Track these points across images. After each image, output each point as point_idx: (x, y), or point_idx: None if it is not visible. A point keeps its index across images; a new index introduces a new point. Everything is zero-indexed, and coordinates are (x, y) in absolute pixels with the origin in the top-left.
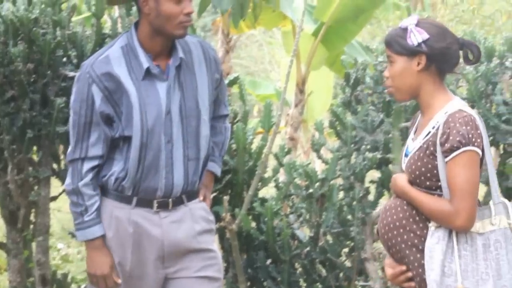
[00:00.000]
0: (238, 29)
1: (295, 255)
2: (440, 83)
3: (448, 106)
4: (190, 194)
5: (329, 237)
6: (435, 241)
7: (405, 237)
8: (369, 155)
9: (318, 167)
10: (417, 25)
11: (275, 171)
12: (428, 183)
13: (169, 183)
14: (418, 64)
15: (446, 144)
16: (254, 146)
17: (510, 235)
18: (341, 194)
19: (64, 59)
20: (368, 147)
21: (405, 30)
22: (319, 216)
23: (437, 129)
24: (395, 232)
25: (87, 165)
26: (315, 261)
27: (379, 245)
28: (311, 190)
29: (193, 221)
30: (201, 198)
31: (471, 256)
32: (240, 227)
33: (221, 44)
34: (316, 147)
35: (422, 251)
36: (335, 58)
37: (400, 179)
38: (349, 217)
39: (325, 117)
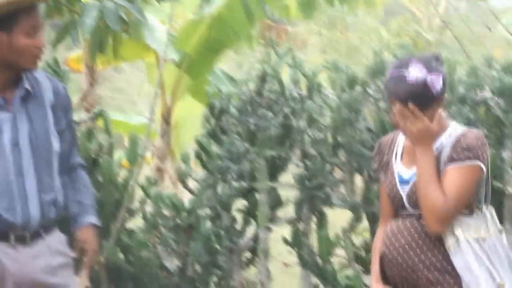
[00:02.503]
0: (104, 62)
1: (164, 285)
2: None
3: (450, 129)
4: (47, 227)
5: (197, 267)
6: (463, 258)
7: (423, 257)
8: (235, 184)
9: (187, 197)
10: (428, 71)
11: (142, 203)
12: None
13: (26, 216)
14: (440, 102)
15: (454, 155)
16: (120, 178)
17: (502, 239)
18: (209, 224)
19: None
20: (234, 176)
21: (424, 83)
22: (187, 246)
23: (441, 149)
24: (411, 253)
25: None
26: None
27: (247, 273)
28: (178, 221)
29: (50, 256)
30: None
31: (492, 257)
32: (108, 259)
33: (85, 77)
34: (182, 178)
35: (439, 270)
36: (199, 87)
37: (430, 153)
38: (217, 246)
39: (193, 148)
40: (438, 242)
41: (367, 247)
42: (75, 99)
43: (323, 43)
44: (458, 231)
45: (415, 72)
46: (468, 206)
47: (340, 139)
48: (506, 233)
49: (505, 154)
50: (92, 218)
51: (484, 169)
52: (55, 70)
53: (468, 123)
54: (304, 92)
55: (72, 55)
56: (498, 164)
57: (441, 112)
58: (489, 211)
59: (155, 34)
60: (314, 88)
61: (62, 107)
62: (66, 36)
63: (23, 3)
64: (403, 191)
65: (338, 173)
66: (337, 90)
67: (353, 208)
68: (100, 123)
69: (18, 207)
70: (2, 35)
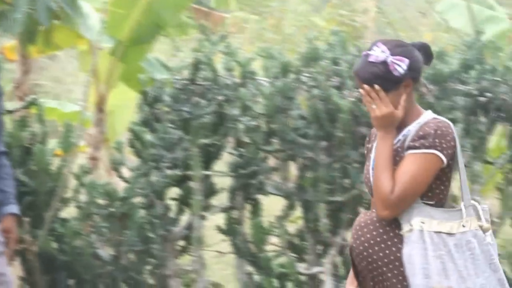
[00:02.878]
0: (38, 51)
1: (97, 274)
2: (413, 94)
3: (421, 118)
4: None
5: (131, 255)
6: (410, 247)
7: (387, 251)
8: (169, 172)
9: (121, 186)
10: (391, 54)
11: (76, 191)
12: None
13: None
14: (405, 87)
15: (411, 143)
16: (54, 167)
17: (482, 236)
18: (142, 212)
19: None
20: (168, 164)
21: (384, 64)
22: (120, 235)
23: (407, 136)
24: (376, 248)
25: None
26: (118, 280)
27: (181, 262)
28: (112, 209)
29: None
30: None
31: (447, 256)
32: (41, 248)
33: (19, 66)
34: (115, 166)
35: (402, 264)
36: (132, 75)
37: (389, 139)
38: (151, 234)
39: (127, 136)
40: (401, 236)
41: (301, 235)
42: (10, 88)
43: (258, 31)
44: (415, 221)
45: (377, 53)
46: (432, 197)
47: (274, 126)
48: None
49: None
50: (13, 208)
51: (444, 160)
52: None
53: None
54: (237, 79)
55: (7, 44)
56: None
57: (413, 100)
58: (472, 208)
59: (87, 22)
60: (247, 75)
61: None
62: None
63: None
64: (372, 178)
65: (272, 161)
66: (270, 78)
67: (287, 196)
68: (34, 111)
69: None
70: None
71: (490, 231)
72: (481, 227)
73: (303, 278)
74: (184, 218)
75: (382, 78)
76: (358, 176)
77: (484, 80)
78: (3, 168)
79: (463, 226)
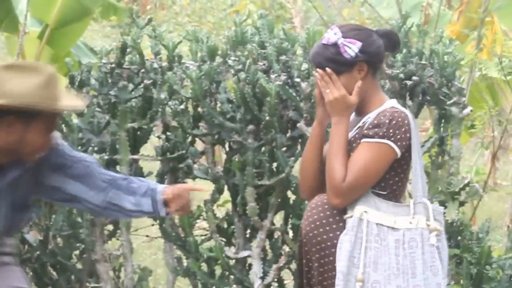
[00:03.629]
0: None
1: (25, 259)
2: (375, 82)
3: (382, 107)
4: None
5: (59, 240)
6: (344, 232)
7: (332, 234)
8: (96, 156)
9: None
10: (343, 36)
11: None
12: None
13: None
14: (359, 72)
15: (366, 131)
16: None
17: (428, 236)
18: None
19: None
20: (96, 148)
21: (335, 46)
22: (48, 219)
23: (366, 123)
24: (321, 230)
25: None
26: (46, 265)
27: (109, 246)
28: None
29: None
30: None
31: (382, 249)
32: None
33: None
34: None
35: None
36: (60, 59)
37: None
38: (79, 219)
39: None
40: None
41: (229, 219)
42: None
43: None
44: (357, 208)
45: (329, 35)
46: (384, 187)
47: (201, 110)
48: None
49: None
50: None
51: (398, 151)
52: None
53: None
54: (164, 63)
55: None
56: None
57: (375, 87)
58: (422, 206)
59: (18, 5)
60: (174, 59)
61: None
62: None
63: (47, 108)
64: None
65: (199, 145)
66: (197, 61)
67: (215, 180)
68: None
69: None
70: (19, 125)
71: (438, 233)
72: (428, 226)
73: (231, 262)
74: None
75: (333, 61)
76: (286, 160)
77: (410, 63)
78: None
79: (410, 223)
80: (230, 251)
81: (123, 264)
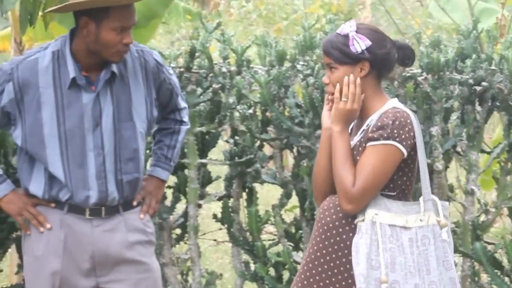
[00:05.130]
0: (29, 38)
1: None
2: (379, 86)
3: (384, 107)
4: (126, 204)
5: None
6: (359, 235)
7: (344, 236)
8: None
9: None
10: (357, 31)
11: None
12: None
13: (103, 194)
14: (361, 70)
15: (371, 134)
16: None
17: (439, 232)
18: None
19: None
20: None
21: (346, 37)
22: None
23: (370, 126)
24: (334, 232)
25: None
26: None
27: (177, 250)
28: None
29: (127, 231)
30: (144, 207)
31: (397, 249)
32: None
33: (14, 53)
34: None
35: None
36: None
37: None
38: None
39: None
40: (355, 225)
41: (297, 224)
42: None
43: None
44: (369, 211)
45: (344, 26)
46: (393, 188)
47: (269, 115)
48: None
49: (434, 130)
50: (158, 172)
51: (404, 151)
52: None
53: (398, 99)
54: (233, 67)
55: None
56: (427, 140)
57: (378, 88)
58: (432, 202)
59: None
60: (243, 63)
61: (152, 74)
62: None
63: (116, 2)
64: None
65: (268, 149)
66: (266, 66)
67: (283, 184)
68: None
69: (95, 186)
70: (91, 26)
71: (447, 228)
72: (438, 222)
73: (299, 267)
74: (180, 206)
75: (339, 49)
76: None
77: (480, 69)
78: (173, 130)
79: (421, 220)
80: (298, 256)
81: (190, 268)
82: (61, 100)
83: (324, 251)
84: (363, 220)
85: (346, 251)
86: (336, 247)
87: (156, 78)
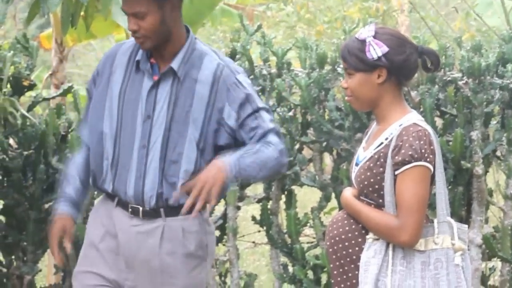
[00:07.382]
0: (73, 39)
1: None
2: (399, 93)
3: (403, 119)
4: (170, 209)
5: None
6: (371, 254)
7: (350, 250)
8: None
9: None
10: (375, 36)
11: None
12: (375, 194)
13: (138, 190)
14: (379, 77)
15: (397, 157)
16: None
17: (452, 256)
18: None
19: None
20: None
21: (363, 42)
22: None
23: (390, 140)
24: (340, 245)
25: None
26: None
27: (216, 252)
28: None
29: (161, 238)
30: (188, 201)
31: (407, 272)
32: None
33: (54, 54)
34: None
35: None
36: None
37: (347, 192)
38: None
39: None
40: (365, 240)
41: None
42: (45, 76)
43: (293, 23)
44: None
45: (362, 30)
46: None
47: (309, 117)
48: (474, 213)
49: (474, 135)
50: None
51: (432, 168)
52: (24, 46)
53: (438, 103)
54: (273, 70)
55: (44, 33)
56: (467, 144)
57: (397, 97)
58: (447, 224)
59: None
60: (283, 66)
61: (220, 100)
62: (37, 12)
63: None
64: (354, 173)
65: (307, 152)
66: (306, 69)
67: (322, 187)
68: (69, 99)
69: (133, 179)
70: (154, 7)
71: (462, 253)
72: (453, 245)
73: None
74: (219, 208)
75: (355, 55)
76: None
77: None
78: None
79: (435, 243)
80: None
81: (229, 269)
82: (127, 81)
83: (332, 265)
84: (377, 239)
85: (352, 266)
86: (346, 259)
87: (223, 101)
